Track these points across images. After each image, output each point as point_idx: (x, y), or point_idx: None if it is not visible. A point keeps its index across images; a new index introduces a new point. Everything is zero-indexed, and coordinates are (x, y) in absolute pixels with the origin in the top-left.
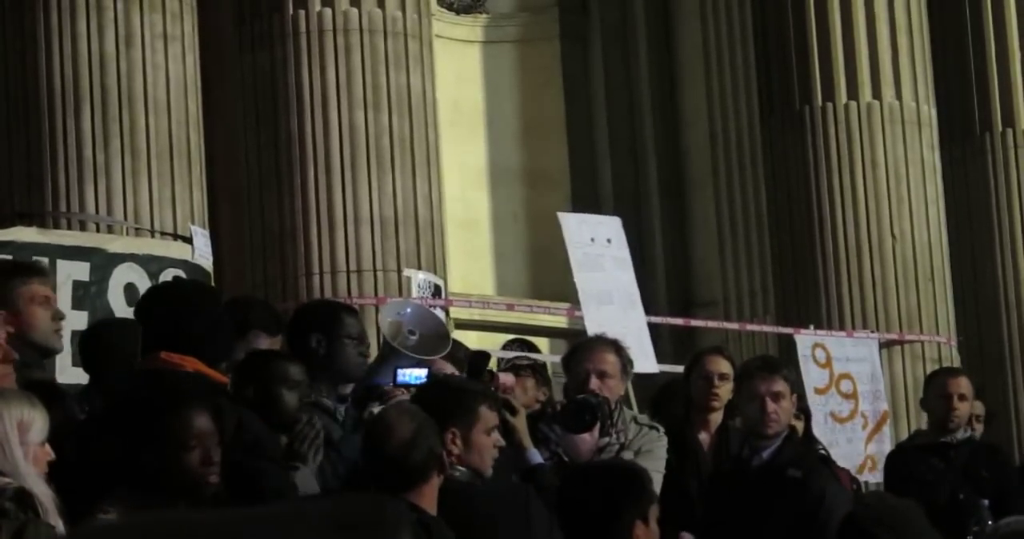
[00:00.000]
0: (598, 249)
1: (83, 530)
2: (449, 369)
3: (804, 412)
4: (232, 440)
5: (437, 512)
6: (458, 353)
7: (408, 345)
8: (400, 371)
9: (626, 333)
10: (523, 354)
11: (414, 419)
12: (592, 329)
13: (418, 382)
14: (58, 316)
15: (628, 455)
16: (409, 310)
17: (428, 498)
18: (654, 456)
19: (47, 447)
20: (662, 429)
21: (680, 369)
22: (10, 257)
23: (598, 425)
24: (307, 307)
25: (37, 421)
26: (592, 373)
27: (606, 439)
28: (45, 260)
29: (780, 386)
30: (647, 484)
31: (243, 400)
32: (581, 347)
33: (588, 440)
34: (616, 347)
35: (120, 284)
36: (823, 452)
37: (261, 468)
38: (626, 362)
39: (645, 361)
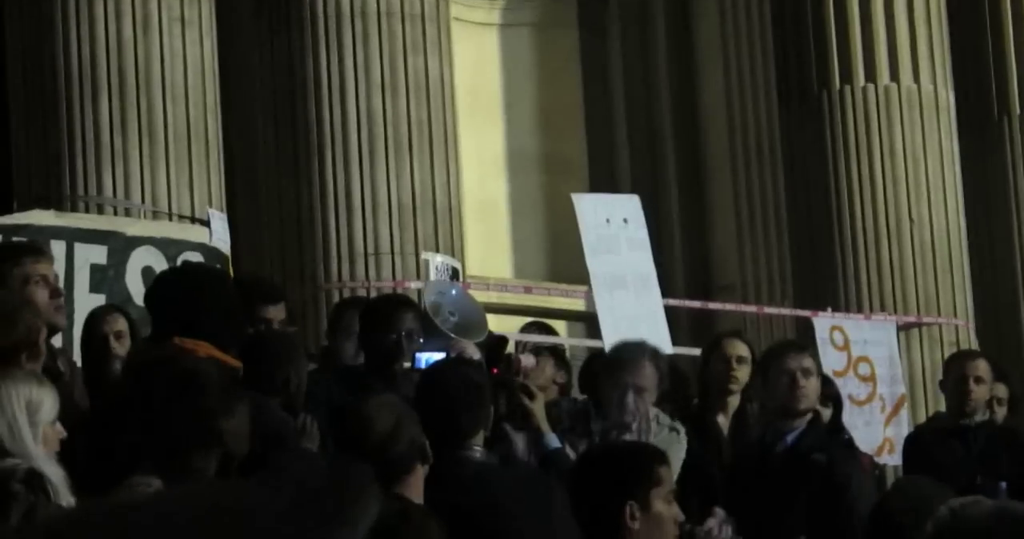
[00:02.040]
0: (613, 230)
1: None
2: (472, 350)
3: (834, 399)
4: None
5: (456, 495)
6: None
7: (447, 325)
8: (418, 355)
9: (638, 317)
10: (542, 337)
11: (393, 411)
12: (603, 315)
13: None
14: (57, 294)
15: None
16: (453, 292)
17: (414, 489)
18: (670, 456)
19: (58, 426)
20: (683, 430)
21: (698, 352)
22: (24, 239)
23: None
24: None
25: (46, 401)
26: (630, 387)
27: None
28: (63, 243)
29: (809, 363)
30: (649, 466)
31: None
32: (621, 358)
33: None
34: (656, 359)
35: (138, 267)
36: (848, 437)
37: (284, 459)
38: (663, 374)
39: (659, 344)
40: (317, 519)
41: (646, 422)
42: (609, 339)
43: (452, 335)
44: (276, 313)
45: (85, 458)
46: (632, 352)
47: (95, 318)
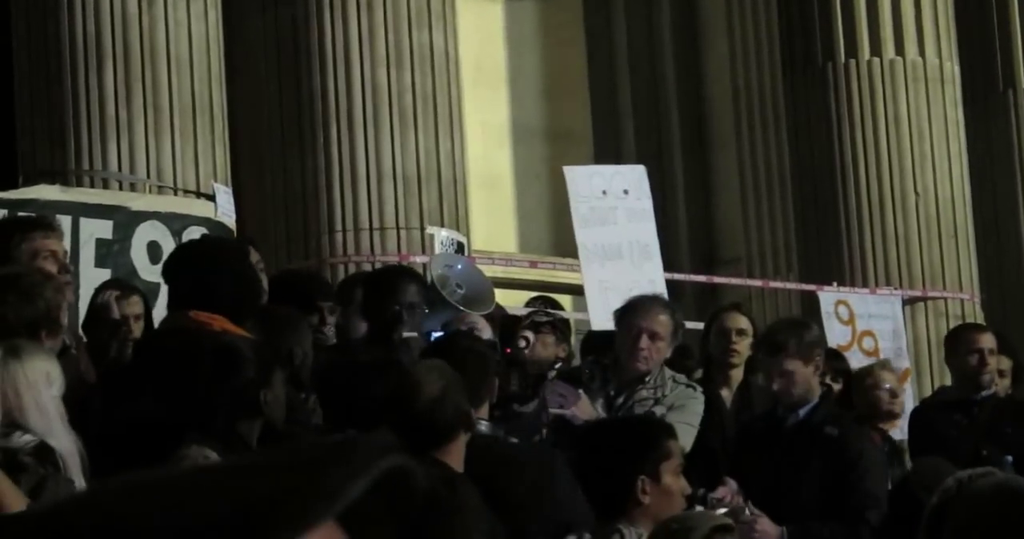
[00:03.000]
0: (611, 201)
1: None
2: (483, 325)
3: (844, 374)
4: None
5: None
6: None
7: (455, 297)
8: (434, 334)
9: (634, 287)
10: (543, 310)
11: (442, 376)
12: (590, 288)
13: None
14: (65, 270)
15: (660, 410)
16: (460, 266)
17: (455, 456)
18: (687, 410)
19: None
20: (699, 388)
21: (702, 326)
22: (32, 214)
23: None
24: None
25: (59, 375)
26: (644, 332)
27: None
28: (68, 218)
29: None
30: (659, 440)
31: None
32: (635, 305)
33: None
34: (671, 309)
35: (143, 242)
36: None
37: (295, 432)
38: (678, 325)
39: None
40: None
41: (660, 374)
42: (595, 310)
43: (460, 307)
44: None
45: (120, 430)
46: (647, 300)
47: (110, 299)
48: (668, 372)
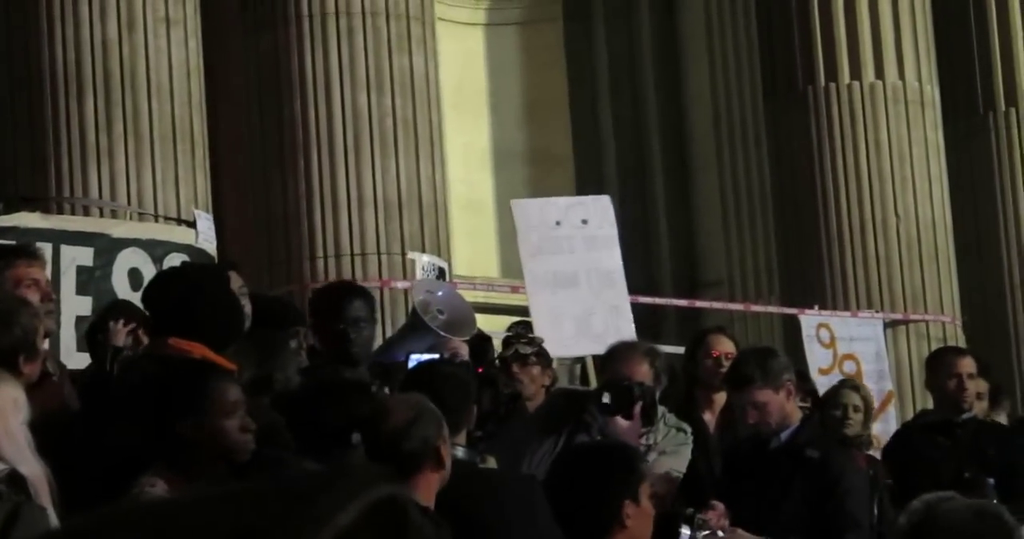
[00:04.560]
0: (565, 231)
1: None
2: (465, 350)
3: (812, 395)
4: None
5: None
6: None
7: (436, 323)
8: (412, 357)
9: (593, 314)
10: (525, 336)
11: (414, 408)
12: (538, 317)
13: None
14: (48, 298)
15: (652, 456)
16: (441, 292)
17: (422, 491)
18: (680, 456)
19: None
20: (689, 430)
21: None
22: (13, 242)
23: (638, 411)
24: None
25: (25, 403)
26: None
27: (649, 429)
28: (49, 246)
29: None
30: (636, 463)
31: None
32: (615, 353)
33: (628, 426)
34: (651, 356)
35: (124, 269)
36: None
37: (280, 457)
38: (660, 371)
39: (620, 339)
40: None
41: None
42: (547, 339)
43: (441, 333)
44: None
45: (91, 458)
46: (627, 350)
47: (117, 326)
48: (659, 411)
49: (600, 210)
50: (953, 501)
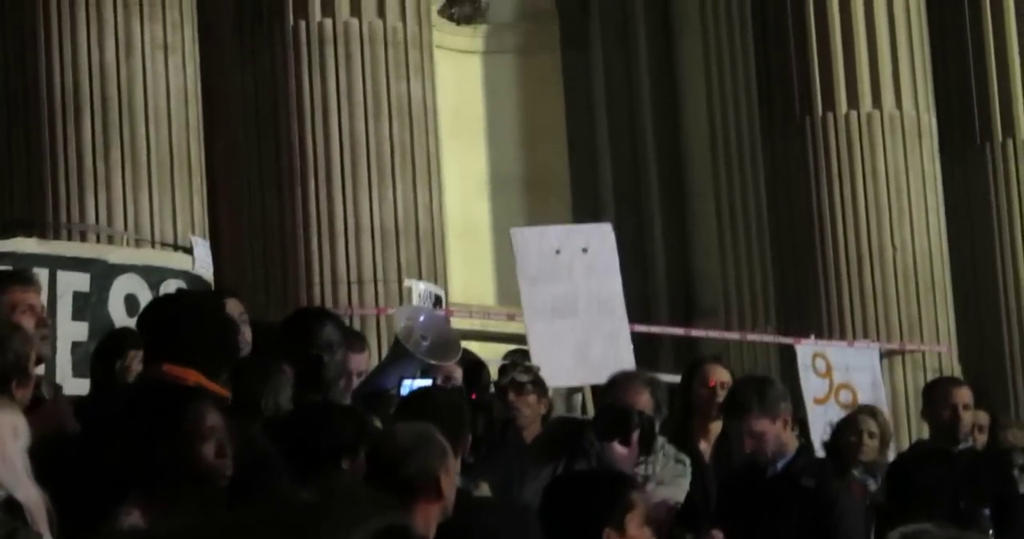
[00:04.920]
0: (565, 259)
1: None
2: (459, 374)
3: (801, 423)
4: (239, 455)
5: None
6: (464, 362)
7: (420, 350)
8: (405, 381)
9: (591, 342)
10: (521, 364)
11: (417, 435)
12: (536, 346)
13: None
14: (43, 323)
15: (651, 486)
16: (423, 317)
17: (419, 520)
18: (677, 487)
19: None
20: (688, 461)
21: (679, 378)
22: (9, 268)
23: (635, 438)
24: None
25: (25, 428)
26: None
27: (647, 457)
28: (45, 271)
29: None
30: (622, 491)
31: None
32: (617, 382)
33: (626, 453)
34: (652, 386)
35: (120, 295)
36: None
37: (273, 485)
38: (660, 402)
39: (619, 367)
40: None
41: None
42: (545, 367)
43: (426, 359)
44: (359, 361)
45: (77, 484)
46: (628, 379)
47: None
48: (659, 441)
49: (600, 238)
50: (929, 534)
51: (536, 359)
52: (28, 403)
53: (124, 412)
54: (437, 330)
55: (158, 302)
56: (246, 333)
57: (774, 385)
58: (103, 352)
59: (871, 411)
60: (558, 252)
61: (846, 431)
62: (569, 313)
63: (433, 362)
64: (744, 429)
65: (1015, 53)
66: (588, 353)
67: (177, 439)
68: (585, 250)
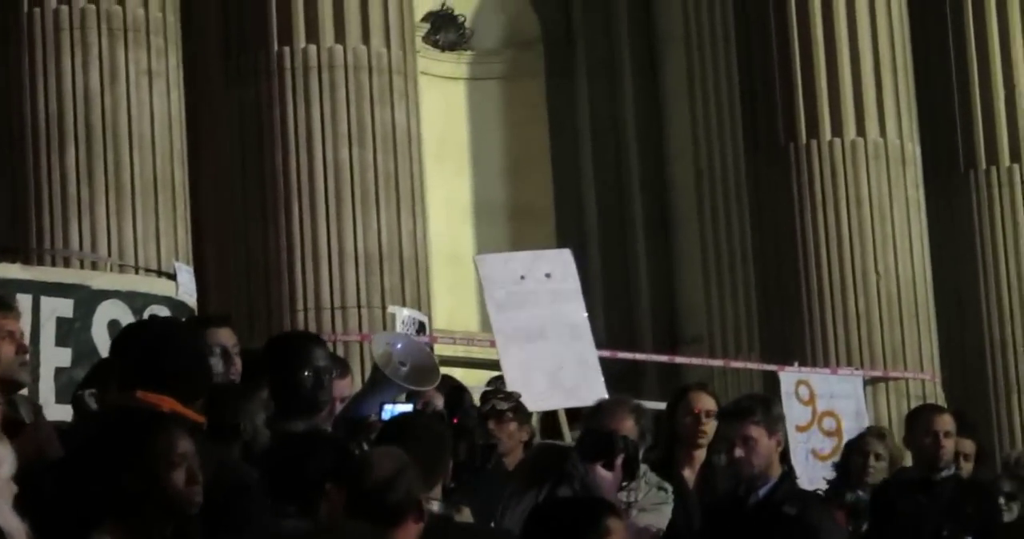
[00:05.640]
0: (530, 285)
1: None
2: (439, 400)
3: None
4: (214, 481)
5: None
6: (446, 387)
7: (399, 375)
8: (386, 406)
9: (563, 367)
10: (501, 391)
11: (397, 461)
12: (510, 372)
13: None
14: (23, 350)
15: (632, 513)
16: (400, 345)
17: None
18: (660, 514)
19: (11, 482)
20: (670, 489)
21: (664, 406)
22: None
23: (619, 463)
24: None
25: (8, 456)
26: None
27: (630, 483)
28: (29, 297)
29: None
30: (600, 519)
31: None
32: (602, 408)
33: (609, 478)
34: (637, 413)
35: (104, 321)
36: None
37: (251, 513)
38: (644, 429)
39: (591, 391)
40: None
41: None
42: (517, 389)
43: (405, 385)
44: (342, 387)
45: (54, 512)
46: (613, 405)
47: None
48: (641, 470)
49: (562, 264)
50: None
51: (511, 385)
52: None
53: (95, 439)
54: (416, 356)
55: (131, 328)
56: (238, 363)
57: (778, 404)
58: (90, 383)
59: (879, 433)
60: (523, 278)
61: (854, 453)
62: (538, 338)
63: (412, 388)
64: (739, 432)
65: (999, 81)
66: (560, 378)
67: (147, 466)
68: (548, 276)
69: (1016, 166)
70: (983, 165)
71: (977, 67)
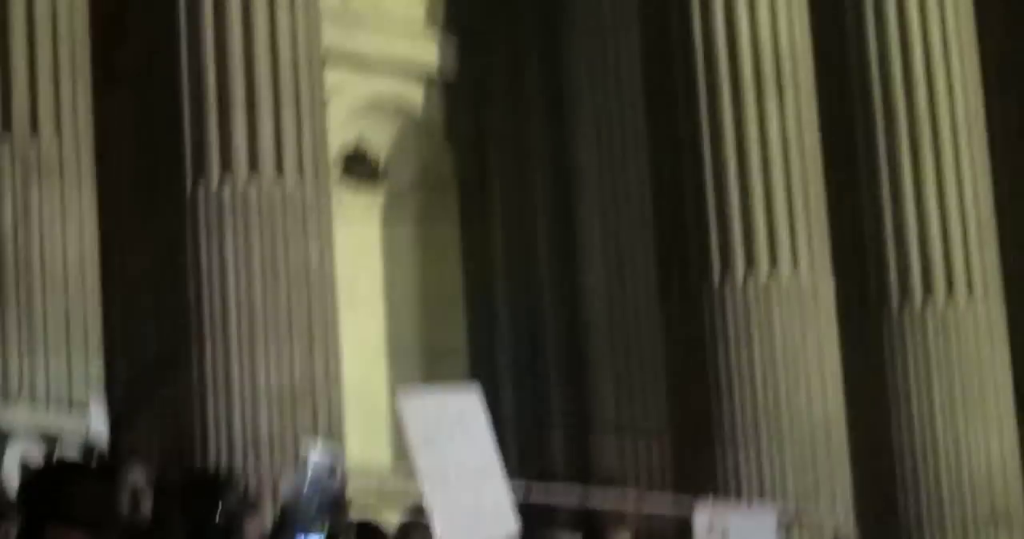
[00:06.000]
0: (445, 423)
1: None
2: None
3: None
4: None
5: None
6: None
7: (309, 513)
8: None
9: (479, 509)
10: (418, 523)
11: None
12: (439, 512)
13: None
14: None
15: None
16: (308, 485)
17: None
18: None
19: None
20: None
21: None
22: None
23: None
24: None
25: None
26: None
27: None
28: None
29: None
30: None
31: None
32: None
33: None
34: None
35: (15, 457)
36: None
37: None
38: None
39: (505, 524)
40: None
41: None
42: (441, 528)
43: (315, 523)
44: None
45: None
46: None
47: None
48: None
49: (471, 402)
50: None
51: (435, 522)
52: None
53: None
54: (324, 493)
55: (41, 466)
56: (147, 505)
57: None
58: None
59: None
60: (438, 416)
61: None
62: (457, 475)
63: (322, 525)
64: None
65: (911, 218)
66: (480, 513)
67: None
68: (460, 413)
69: (931, 301)
70: (895, 301)
71: (891, 199)
